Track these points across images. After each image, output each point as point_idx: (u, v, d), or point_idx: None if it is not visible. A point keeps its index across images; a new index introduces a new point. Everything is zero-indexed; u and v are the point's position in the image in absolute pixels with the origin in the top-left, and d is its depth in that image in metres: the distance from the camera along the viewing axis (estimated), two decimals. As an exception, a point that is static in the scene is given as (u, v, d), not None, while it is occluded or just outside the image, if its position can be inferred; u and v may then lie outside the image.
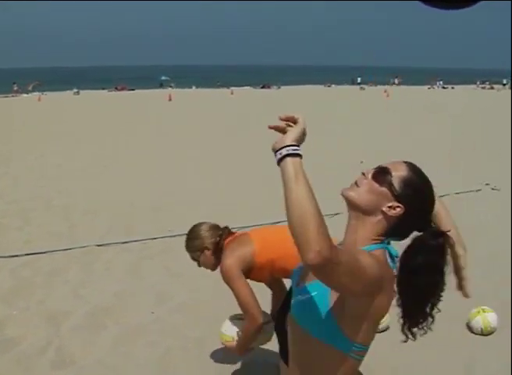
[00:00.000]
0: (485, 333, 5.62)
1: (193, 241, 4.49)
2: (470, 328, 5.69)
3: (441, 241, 2.16)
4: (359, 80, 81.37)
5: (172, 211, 10.54)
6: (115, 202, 11.27)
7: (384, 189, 2.16)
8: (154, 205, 11.06)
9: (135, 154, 17.63)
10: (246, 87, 70.06)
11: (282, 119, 2.09)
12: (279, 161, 1.97)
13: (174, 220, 9.80)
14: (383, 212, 2.16)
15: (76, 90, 58.36)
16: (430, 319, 2.24)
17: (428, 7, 1.92)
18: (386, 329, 5.24)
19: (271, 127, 2.11)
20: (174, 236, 8.86)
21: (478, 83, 74.66)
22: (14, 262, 7.81)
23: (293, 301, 2.28)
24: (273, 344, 5.10)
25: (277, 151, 1.99)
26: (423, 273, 2.12)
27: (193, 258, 4.58)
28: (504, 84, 71.80)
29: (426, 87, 70.59)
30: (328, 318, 2.10)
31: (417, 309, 2.20)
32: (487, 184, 12.34)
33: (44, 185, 13.04)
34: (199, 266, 4.62)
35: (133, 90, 65.51)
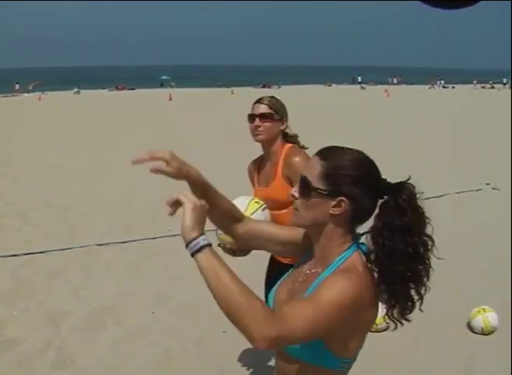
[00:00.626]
0: (485, 332, 5.61)
1: (282, 105, 4.12)
2: (470, 328, 5.69)
3: (406, 194, 1.97)
4: (359, 79, 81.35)
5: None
6: (115, 202, 11.27)
7: (315, 199, 2.01)
8: (153, 205, 11.02)
9: (134, 154, 17.56)
10: (247, 87, 70.06)
11: (170, 205, 2.10)
12: (196, 252, 1.87)
13: (173, 220, 9.77)
14: (333, 215, 2.01)
15: (76, 89, 58.37)
16: (416, 301, 2.02)
17: (428, 7, 1.91)
18: (386, 329, 5.23)
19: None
20: (173, 236, 8.86)
21: (475, 82, 74.50)
22: (14, 262, 7.80)
23: None
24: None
25: (190, 243, 1.88)
26: (392, 237, 1.92)
27: (264, 115, 3.94)
28: (504, 84, 71.90)
29: (427, 86, 70.61)
30: (316, 342, 1.95)
31: (402, 291, 1.99)
32: (487, 184, 12.33)
33: (43, 185, 13.03)
34: (257, 130, 3.95)
35: (133, 89, 65.54)
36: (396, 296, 2.00)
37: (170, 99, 45.11)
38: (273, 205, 3.83)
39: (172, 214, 2.06)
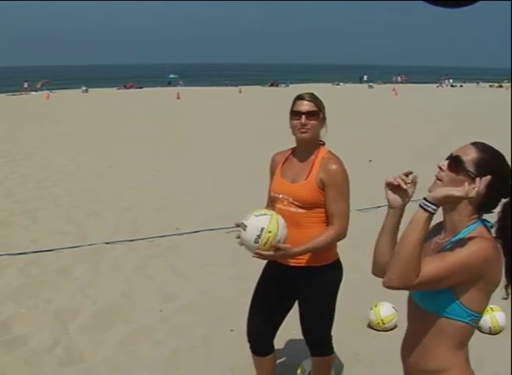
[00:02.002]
0: (493, 332, 5.60)
1: (323, 103, 4.07)
2: (478, 327, 5.66)
3: None
4: (365, 77, 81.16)
5: (178, 210, 10.56)
6: (122, 201, 11.28)
7: (462, 177, 2.37)
8: (160, 204, 11.07)
9: (141, 153, 17.64)
10: (255, 86, 70.10)
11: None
12: (422, 207, 2.30)
13: (180, 219, 9.81)
14: (475, 206, 2.41)
15: (84, 88, 58.38)
16: None
17: (430, 5, 2.02)
18: (394, 327, 5.23)
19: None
20: (181, 234, 8.89)
21: (480, 82, 74.22)
22: (22, 260, 7.83)
23: None
24: (281, 345, 5.11)
25: (427, 201, 2.30)
26: None
27: (311, 113, 3.89)
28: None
29: (434, 85, 70.39)
30: (447, 295, 2.35)
31: None
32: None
33: (51, 184, 13.05)
34: (304, 128, 3.89)
35: (141, 88, 65.55)
36: None
37: (178, 98, 45.11)
38: (296, 202, 3.86)
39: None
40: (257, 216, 3.65)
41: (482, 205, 2.42)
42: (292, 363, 5.03)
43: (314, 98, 3.96)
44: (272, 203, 4.07)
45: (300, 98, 3.96)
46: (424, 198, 2.29)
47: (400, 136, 20.85)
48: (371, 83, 70.12)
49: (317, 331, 4.25)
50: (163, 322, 6.03)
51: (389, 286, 2.29)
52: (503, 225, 2.38)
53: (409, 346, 2.56)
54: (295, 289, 4.08)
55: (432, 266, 2.27)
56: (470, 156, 2.38)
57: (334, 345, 4.34)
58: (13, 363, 5.16)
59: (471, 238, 2.33)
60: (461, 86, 69.80)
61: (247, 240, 3.63)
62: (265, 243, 3.58)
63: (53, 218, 10.11)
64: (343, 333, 5.73)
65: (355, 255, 6.37)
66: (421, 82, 77.69)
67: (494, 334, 5.60)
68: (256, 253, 3.65)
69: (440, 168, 2.43)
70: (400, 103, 39.73)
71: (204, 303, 6.54)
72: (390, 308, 5.52)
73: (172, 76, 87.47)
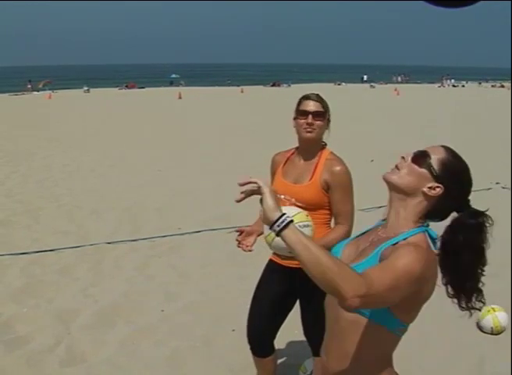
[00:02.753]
0: (495, 332, 5.60)
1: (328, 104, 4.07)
2: (480, 327, 5.67)
3: (480, 220, 2.23)
4: (365, 77, 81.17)
5: (180, 210, 10.56)
6: (123, 201, 11.28)
7: (424, 170, 2.29)
8: (161, 204, 11.07)
9: (143, 153, 17.66)
10: (256, 86, 70.16)
11: (242, 185, 2.23)
12: (281, 230, 2.01)
13: (182, 219, 9.81)
14: (424, 193, 2.29)
15: (86, 88, 58.43)
16: (480, 292, 2.28)
17: (430, 5, 1.97)
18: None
19: (239, 201, 2.25)
20: (183, 234, 8.89)
21: (482, 82, 74.17)
22: (24, 259, 7.83)
23: None
24: (282, 345, 5.11)
25: (271, 227, 2.03)
26: (464, 251, 2.20)
27: (318, 113, 3.91)
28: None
29: (436, 85, 70.39)
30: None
31: (467, 285, 2.27)
32: (497, 183, 12.29)
33: (52, 184, 13.06)
34: (310, 128, 3.89)
35: (142, 88, 65.60)
36: (463, 287, 2.28)
37: (180, 98, 45.13)
38: (299, 203, 3.83)
39: (239, 201, 2.25)
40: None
41: (433, 211, 2.31)
42: (293, 363, 5.03)
43: (320, 99, 3.99)
44: None
45: (307, 97, 3.98)
46: (271, 225, 2.03)
47: (402, 136, 20.83)
48: (372, 84, 70.10)
49: (319, 331, 4.24)
50: (164, 322, 6.03)
51: (353, 306, 1.95)
52: (448, 240, 2.24)
53: (332, 348, 2.43)
54: (295, 289, 4.08)
55: (379, 274, 2.04)
56: (437, 155, 2.30)
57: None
58: (15, 363, 5.16)
59: (410, 244, 2.18)
60: (463, 86, 69.80)
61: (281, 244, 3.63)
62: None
63: (54, 218, 10.12)
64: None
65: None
66: (421, 82, 77.64)
67: (496, 335, 5.59)
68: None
69: (403, 158, 2.36)
70: (402, 103, 39.72)
71: (205, 303, 6.54)
72: None
73: (173, 76, 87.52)
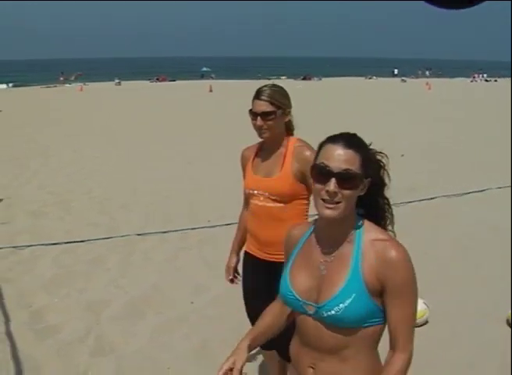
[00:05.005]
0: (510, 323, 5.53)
1: (284, 96, 3.90)
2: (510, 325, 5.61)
3: (378, 158, 2.41)
4: (396, 71, 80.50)
5: (210, 203, 10.58)
6: (153, 194, 11.34)
7: (358, 189, 2.23)
8: (191, 196, 11.10)
9: (172, 146, 17.71)
10: (287, 79, 70.02)
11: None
12: None
13: (212, 212, 9.83)
14: (357, 196, 2.28)
15: (117, 80, 58.81)
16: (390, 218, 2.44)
17: (431, 6, 1.99)
18: (425, 323, 5.18)
19: None
20: (213, 227, 8.91)
21: (482, 75, 73.06)
22: (55, 250, 7.91)
23: (322, 317, 2.27)
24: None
25: None
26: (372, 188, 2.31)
27: (266, 114, 3.72)
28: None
29: (468, 79, 69.59)
30: (372, 305, 2.21)
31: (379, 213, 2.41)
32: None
33: (83, 177, 13.17)
34: (261, 129, 3.76)
35: (173, 81, 65.80)
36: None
37: (210, 91, 45.19)
38: (272, 197, 3.73)
39: None
40: None
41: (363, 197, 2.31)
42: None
43: (270, 96, 3.73)
44: (247, 200, 3.99)
45: (256, 96, 3.76)
46: None
47: (432, 130, 20.66)
48: (404, 78, 69.51)
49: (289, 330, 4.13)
50: (194, 313, 6.05)
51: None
52: (369, 201, 2.34)
53: (322, 363, 2.34)
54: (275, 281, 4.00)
55: (409, 329, 2.24)
56: (356, 165, 2.19)
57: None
58: (45, 352, 5.22)
59: (382, 248, 2.20)
60: (495, 81, 68.84)
61: None
62: None
63: (86, 209, 10.20)
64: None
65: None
66: (453, 76, 76.71)
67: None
68: None
69: (334, 192, 2.17)
70: (434, 97, 39.34)
71: (235, 295, 6.51)
72: (421, 304, 5.43)
73: (204, 69, 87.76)
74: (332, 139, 2.23)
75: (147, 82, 63.16)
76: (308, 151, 3.67)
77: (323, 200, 2.19)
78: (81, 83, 54.62)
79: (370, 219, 2.32)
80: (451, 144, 17.24)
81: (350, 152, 2.18)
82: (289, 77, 71.08)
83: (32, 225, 9.19)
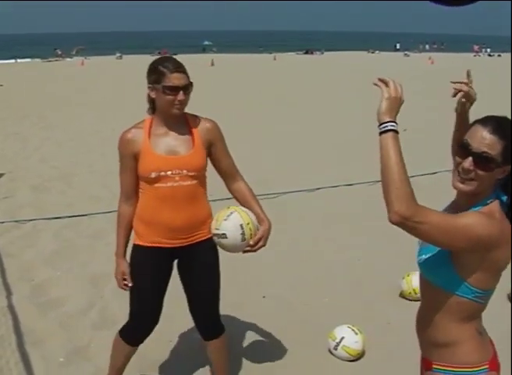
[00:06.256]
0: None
1: None
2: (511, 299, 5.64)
3: None
4: (398, 46, 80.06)
5: (211, 177, 10.54)
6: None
7: (493, 172, 2.29)
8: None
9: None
10: (289, 53, 69.69)
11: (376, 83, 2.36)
12: (381, 133, 2.26)
13: (213, 186, 9.80)
14: (496, 179, 2.34)
15: (118, 54, 58.50)
16: None
17: (430, 2, 2.09)
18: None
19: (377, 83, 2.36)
20: (213, 201, 8.89)
21: (485, 50, 72.58)
22: (57, 224, 7.94)
23: (419, 261, 2.49)
24: (309, 313, 5.13)
25: (380, 124, 2.26)
26: None
27: (188, 86, 3.65)
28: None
29: (471, 54, 69.13)
30: (451, 270, 2.32)
31: None
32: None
33: (85, 150, 13.17)
34: (181, 104, 3.61)
35: (175, 54, 65.47)
36: None
37: (212, 64, 45.01)
38: (191, 173, 3.64)
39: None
40: (226, 219, 3.54)
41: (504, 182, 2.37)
42: (322, 331, 5.03)
43: (184, 69, 3.64)
44: (148, 186, 3.68)
45: (174, 70, 3.58)
46: (378, 125, 2.28)
47: (435, 107, 20.60)
48: (406, 52, 69.08)
49: (217, 305, 4.11)
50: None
51: (392, 220, 2.19)
52: None
53: (421, 319, 2.57)
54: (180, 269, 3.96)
55: (438, 215, 2.23)
56: (496, 151, 2.26)
57: (365, 314, 4.32)
58: (48, 325, 5.26)
59: (479, 212, 2.28)
60: (499, 55, 68.35)
61: (234, 244, 3.55)
62: (251, 234, 3.55)
63: (88, 183, 10.22)
64: (375, 301, 5.75)
65: (388, 222, 6.34)
66: (455, 51, 76.13)
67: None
68: (248, 250, 3.64)
69: (468, 169, 2.30)
70: (436, 72, 39.14)
71: (236, 270, 6.56)
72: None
73: (206, 42, 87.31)
74: (483, 121, 2.33)
75: (149, 56, 62.87)
76: (209, 123, 3.76)
77: (458, 172, 2.34)
78: (82, 58, 54.35)
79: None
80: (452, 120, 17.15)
81: (493, 138, 2.27)
82: (291, 51, 70.76)
83: (34, 199, 9.21)
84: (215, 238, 3.59)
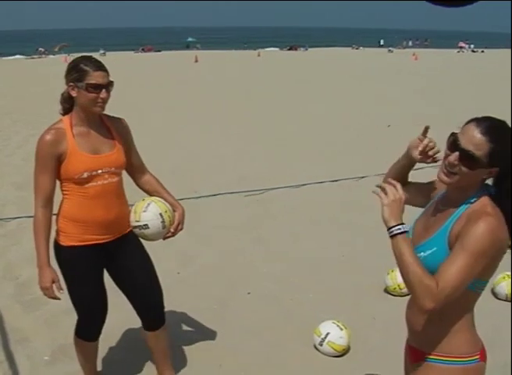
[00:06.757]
0: (509, 299, 5.58)
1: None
2: (495, 294, 5.67)
3: None
4: (382, 42, 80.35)
5: (196, 173, 10.55)
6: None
7: (477, 171, 2.34)
8: (176, 166, 11.05)
9: (159, 116, 17.63)
10: (273, 48, 69.73)
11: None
12: (391, 236, 2.34)
13: (198, 182, 9.81)
14: (482, 179, 2.40)
15: (102, 51, 58.16)
16: None
17: (428, 3, 2.04)
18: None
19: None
20: (199, 197, 8.90)
21: (469, 46, 72.80)
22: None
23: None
24: (294, 310, 5.13)
25: (387, 230, 2.35)
26: None
27: (110, 84, 3.68)
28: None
29: (455, 50, 69.42)
30: None
31: None
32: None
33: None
34: (104, 103, 3.65)
35: (159, 51, 65.32)
36: None
37: (196, 61, 44.91)
38: (117, 170, 3.77)
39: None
40: (144, 210, 3.73)
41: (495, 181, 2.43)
42: (308, 328, 5.05)
43: (106, 68, 3.69)
44: (76, 186, 3.73)
45: (96, 68, 3.60)
46: (394, 226, 2.34)
47: (419, 101, 20.67)
48: (390, 48, 69.24)
49: (160, 294, 4.13)
50: (180, 284, 6.07)
51: (426, 311, 2.29)
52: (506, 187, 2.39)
53: (414, 312, 2.57)
54: (113, 263, 3.98)
55: (452, 270, 2.25)
56: (482, 152, 2.30)
57: (351, 309, 4.33)
58: (33, 323, 5.25)
59: (473, 216, 2.31)
60: (482, 51, 68.68)
61: (156, 232, 3.76)
62: (170, 221, 3.79)
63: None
64: (360, 297, 5.77)
65: (372, 218, 6.36)
66: (439, 47, 76.37)
67: (511, 301, 5.58)
68: (168, 235, 3.87)
69: (453, 164, 2.36)
70: (420, 68, 39.25)
71: (221, 266, 6.57)
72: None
73: (190, 39, 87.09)
74: (479, 120, 2.36)
75: (132, 53, 62.64)
76: (121, 120, 3.93)
77: (444, 165, 2.40)
78: (66, 55, 54.01)
79: (499, 204, 2.39)
80: (438, 112, 17.25)
81: (482, 139, 2.30)
82: (275, 47, 70.79)
83: (18, 197, 9.16)
84: (137, 230, 3.75)
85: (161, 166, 11.12)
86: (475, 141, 2.31)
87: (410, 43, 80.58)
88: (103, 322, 4.07)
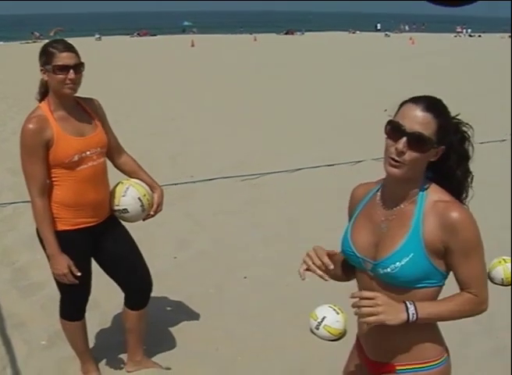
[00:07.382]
0: (505, 283, 5.61)
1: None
2: (490, 278, 5.67)
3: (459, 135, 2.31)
4: (379, 26, 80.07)
5: (192, 158, 10.53)
6: (135, 149, 11.16)
7: (427, 153, 2.20)
8: (174, 152, 11.04)
9: (156, 101, 17.58)
10: (270, 34, 69.49)
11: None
12: (416, 320, 2.22)
13: (194, 167, 9.80)
14: (429, 161, 2.26)
15: (98, 35, 57.88)
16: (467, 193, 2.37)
17: (429, 3, 2.06)
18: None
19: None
20: (195, 182, 8.89)
21: (466, 31, 72.55)
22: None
23: (388, 272, 2.29)
24: (289, 296, 5.15)
25: (408, 321, 2.20)
26: (451, 155, 2.29)
27: (79, 66, 3.72)
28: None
29: (452, 34, 69.21)
30: (431, 266, 2.24)
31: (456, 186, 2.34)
32: (512, 135, 12.16)
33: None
34: (73, 83, 3.68)
35: (155, 35, 65.03)
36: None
37: (192, 46, 44.70)
38: (104, 149, 3.85)
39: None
40: (124, 195, 3.84)
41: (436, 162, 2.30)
42: (305, 311, 5.06)
43: (75, 49, 3.71)
44: (67, 171, 3.69)
45: (64, 49, 3.62)
46: (408, 321, 2.21)
47: (415, 86, 20.63)
48: (387, 32, 69.01)
49: (147, 273, 4.19)
50: (177, 268, 6.08)
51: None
52: (445, 170, 2.31)
53: (375, 328, 2.42)
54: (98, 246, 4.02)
55: (477, 276, 2.35)
56: (431, 130, 2.16)
57: (347, 293, 4.28)
58: (30, 308, 5.26)
59: (445, 211, 2.20)
60: (479, 36, 68.47)
61: (136, 215, 3.90)
62: (149, 204, 3.92)
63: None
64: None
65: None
66: (436, 31, 76.13)
67: (506, 286, 5.61)
68: (148, 217, 4.04)
69: (401, 151, 2.17)
70: (417, 52, 39.15)
71: (217, 251, 6.58)
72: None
73: (186, 23, 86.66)
74: (415, 100, 2.23)
75: (128, 37, 62.33)
76: (95, 101, 3.99)
77: (391, 158, 2.20)
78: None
79: (441, 187, 2.30)
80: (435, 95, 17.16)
81: (427, 116, 2.18)
82: (271, 32, 70.49)
83: (14, 182, 9.12)
84: (117, 214, 3.87)
85: (158, 151, 11.14)
86: (420, 119, 2.17)
87: (407, 27, 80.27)
88: (87, 301, 4.15)
